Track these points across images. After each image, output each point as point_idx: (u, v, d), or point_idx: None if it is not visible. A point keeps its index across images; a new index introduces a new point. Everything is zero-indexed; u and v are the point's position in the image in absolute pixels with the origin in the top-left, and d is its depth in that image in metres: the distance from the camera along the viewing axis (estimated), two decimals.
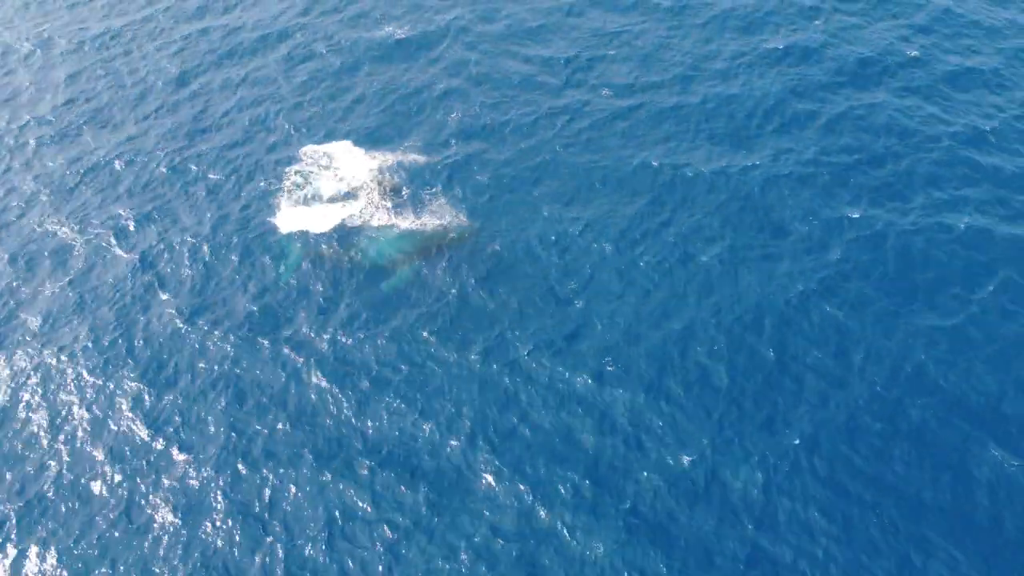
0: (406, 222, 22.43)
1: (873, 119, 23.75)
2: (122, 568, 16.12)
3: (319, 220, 23.00)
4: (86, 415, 19.00)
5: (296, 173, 24.64)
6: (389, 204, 23.14)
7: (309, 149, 25.51)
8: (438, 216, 22.45)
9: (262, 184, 24.58)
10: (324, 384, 18.91)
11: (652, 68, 26.56)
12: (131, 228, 23.74)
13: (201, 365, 19.71)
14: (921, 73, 25.21)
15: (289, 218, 23.25)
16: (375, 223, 22.64)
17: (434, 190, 23.40)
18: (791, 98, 24.78)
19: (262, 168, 25.20)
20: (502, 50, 28.28)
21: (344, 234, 22.51)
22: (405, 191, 23.47)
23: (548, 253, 20.89)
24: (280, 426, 18.21)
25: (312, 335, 20.03)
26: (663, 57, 26.99)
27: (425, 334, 19.55)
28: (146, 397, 19.21)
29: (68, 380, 19.76)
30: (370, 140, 25.59)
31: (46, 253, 23.21)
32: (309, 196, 23.85)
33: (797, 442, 16.52)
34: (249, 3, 32.77)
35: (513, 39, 28.75)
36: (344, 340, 19.74)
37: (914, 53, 26.04)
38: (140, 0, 33.98)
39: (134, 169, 25.82)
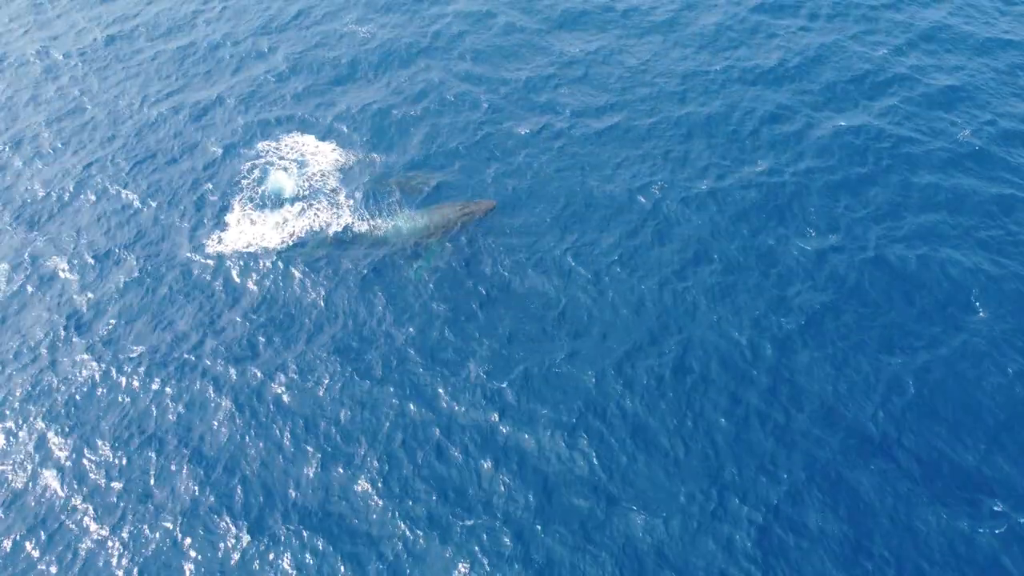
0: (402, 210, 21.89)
1: (854, 140, 23.20)
2: None
3: (293, 216, 22.14)
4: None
5: (255, 169, 23.71)
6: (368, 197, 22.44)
7: (268, 144, 24.57)
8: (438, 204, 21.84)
9: (217, 183, 23.67)
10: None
11: (628, 88, 25.78)
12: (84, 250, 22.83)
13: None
14: (906, 92, 24.79)
15: (252, 213, 22.35)
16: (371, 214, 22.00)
17: (419, 183, 22.80)
18: (771, 119, 24.16)
19: (220, 164, 24.29)
20: (478, 66, 27.44)
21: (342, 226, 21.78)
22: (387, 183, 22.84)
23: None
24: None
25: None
26: (639, 77, 26.23)
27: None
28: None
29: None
30: (336, 137, 24.74)
31: None
32: (270, 194, 22.95)
33: None
34: (227, 14, 31.96)
35: (490, 57, 27.90)
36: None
37: (900, 71, 25.66)
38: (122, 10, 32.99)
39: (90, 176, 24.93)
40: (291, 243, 21.37)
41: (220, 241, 21.57)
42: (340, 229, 21.56)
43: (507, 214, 21.60)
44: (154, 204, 22.97)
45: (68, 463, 17.00)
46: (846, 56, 26.48)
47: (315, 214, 22.06)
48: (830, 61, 26.31)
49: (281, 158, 23.99)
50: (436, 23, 29.24)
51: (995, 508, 14.88)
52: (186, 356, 18.83)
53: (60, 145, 25.74)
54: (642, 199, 21.63)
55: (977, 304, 18.47)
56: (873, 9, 28.74)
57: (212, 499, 16.07)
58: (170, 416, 17.65)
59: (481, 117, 24.89)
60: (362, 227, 21.54)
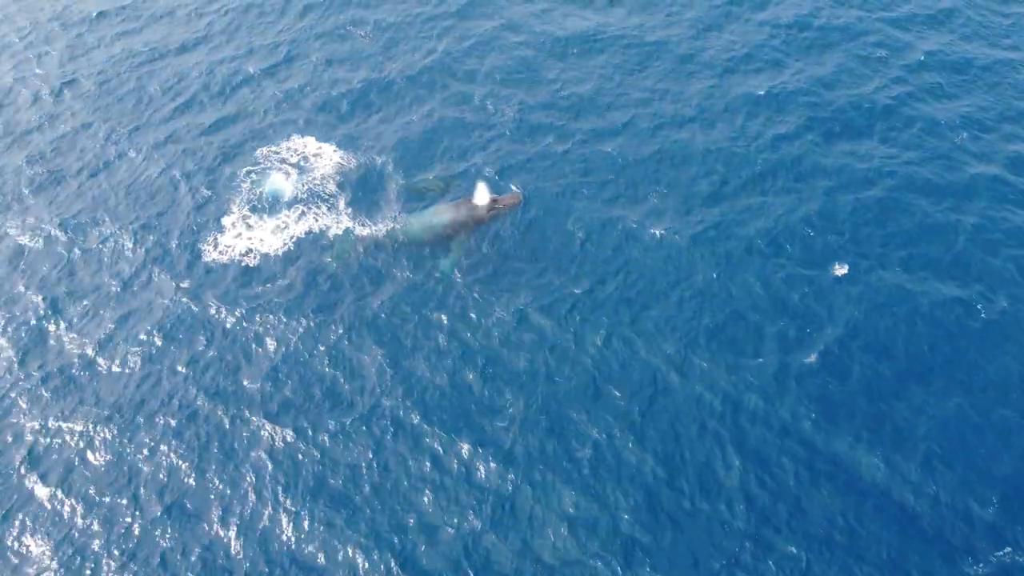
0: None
1: (863, 165, 22.63)
2: None
3: (294, 220, 21.63)
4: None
5: (254, 172, 23.13)
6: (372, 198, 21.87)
7: (268, 149, 23.97)
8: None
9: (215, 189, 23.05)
10: None
11: (635, 108, 24.96)
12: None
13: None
14: (918, 115, 24.21)
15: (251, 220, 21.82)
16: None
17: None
18: (780, 140, 23.53)
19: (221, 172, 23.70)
20: (486, 80, 26.50)
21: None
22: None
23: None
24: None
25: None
26: (647, 97, 25.42)
27: None
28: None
29: None
30: (337, 141, 24.13)
31: None
32: (268, 197, 22.37)
33: None
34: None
35: (498, 71, 27.10)
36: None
37: (910, 90, 25.20)
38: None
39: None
40: (291, 248, 20.84)
41: (216, 247, 21.06)
42: (341, 233, 21.03)
43: (515, 238, 20.98)
44: (149, 212, 22.39)
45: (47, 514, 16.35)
46: (856, 76, 25.92)
47: (315, 218, 21.55)
48: (839, 82, 25.72)
49: (282, 161, 23.40)
50: (445, 37, 28.36)
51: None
52: (178, 384, 18.33)
53: (56, 151, 25.24)
54: (647, 228, 20.89)
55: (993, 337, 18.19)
56: (884, 26, 28.18)
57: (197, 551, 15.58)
58: (154, 465, 16.98)
59: (489, 132, 24.17)
60: (374, 230, 20.95)
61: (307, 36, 28.85)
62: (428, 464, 16.40)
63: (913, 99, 24.76)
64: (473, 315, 19.09)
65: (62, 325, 19.50)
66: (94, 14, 30.62)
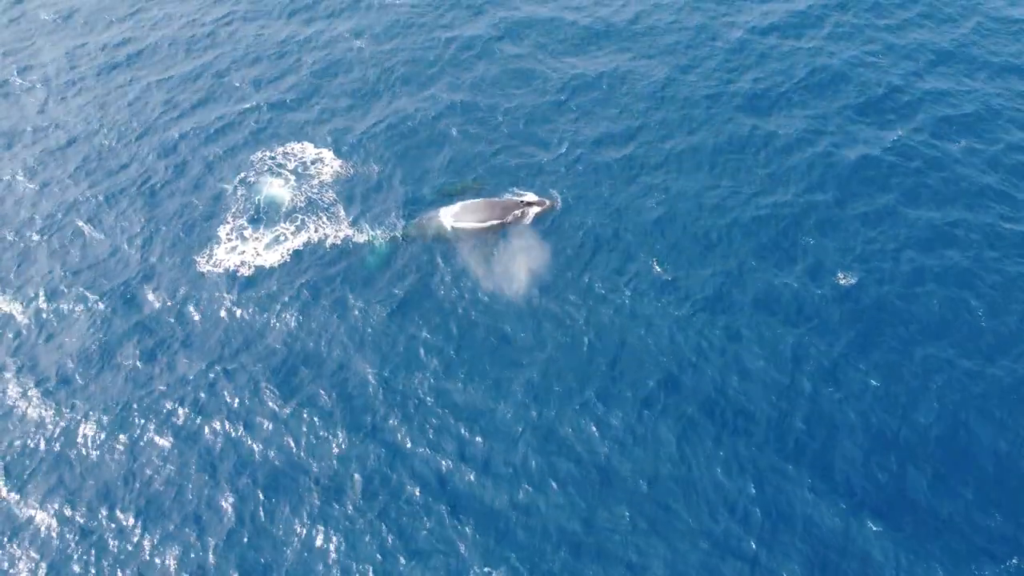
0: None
1: (872, 171, 21.53)
2: None
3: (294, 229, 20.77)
4: None
5: (251, 179, 22.18)
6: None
7: (265, 152, 23.04)
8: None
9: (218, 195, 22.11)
10: None
11: (643, 114, 23.78)
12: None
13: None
14: (926, 118, 22.96)
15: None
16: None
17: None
18: (786, 147, 22.34)
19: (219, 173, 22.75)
20: (489, 90, 25.26)
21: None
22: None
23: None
24: None
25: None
26: (654, 103, 24.19)
27: None
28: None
29: None
30: (338, 147, 23.16)
31: None
32: (265, 205, 21.45)
33: None
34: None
35: (501, 81, 25.95)
36: None
37: (918, 95, 23.98)
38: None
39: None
40: (289, 260, 20.00)
41: (211, 259, 20.23)
42: (374, 242, 20.27)
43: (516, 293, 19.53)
44: (145, 221, 21.55)
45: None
46: (862, 82, 24.53)
47: (315, 228, 20.67)
48: (846, 85, 24.40)
49: (280, 167, 22.51)
50: (448, 47, 27.13)
51: None
52: (175, 395, 17.72)
53: (51, 162, 24.58)
54: (653, 272, 19.54)
55: None
56: (891, 31, 26.63)
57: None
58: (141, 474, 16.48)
59: (489, 146, 23.00)
60: (410, 231, 20.45)
61: (309, 48, 27.63)
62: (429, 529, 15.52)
63: (923, 102, 23.45)
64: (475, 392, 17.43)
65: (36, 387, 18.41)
66: (93, 29, 29.61)
